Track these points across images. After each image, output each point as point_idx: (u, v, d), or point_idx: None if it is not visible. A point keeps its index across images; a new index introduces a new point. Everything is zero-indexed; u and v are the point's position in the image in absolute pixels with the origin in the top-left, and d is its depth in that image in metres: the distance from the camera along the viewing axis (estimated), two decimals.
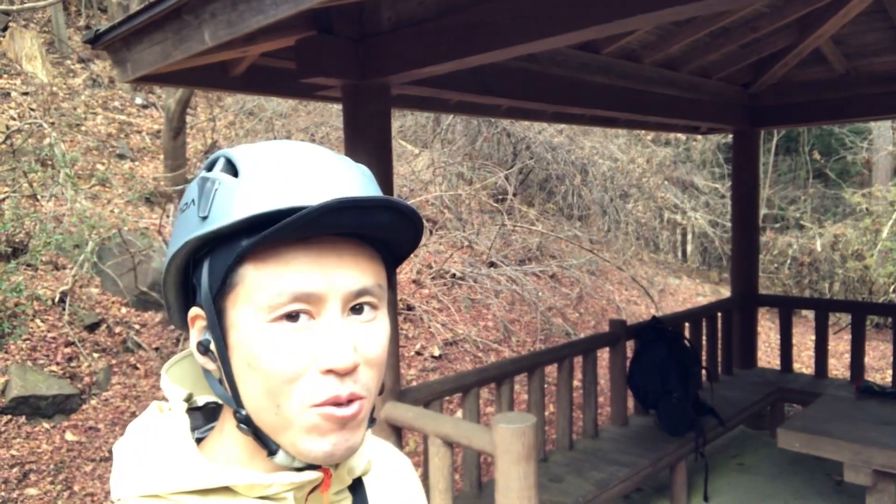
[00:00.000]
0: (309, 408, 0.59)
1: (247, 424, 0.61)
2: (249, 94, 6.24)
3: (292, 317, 0.59)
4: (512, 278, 7.63)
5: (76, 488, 3.87)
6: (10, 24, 8.39)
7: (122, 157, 7.32)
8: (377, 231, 0.61)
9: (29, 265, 5.08)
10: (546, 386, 4.53)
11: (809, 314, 8.51)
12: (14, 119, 6.81)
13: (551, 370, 3.87)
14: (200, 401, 0.73)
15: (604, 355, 4.37)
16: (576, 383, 4.64)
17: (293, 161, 0.61)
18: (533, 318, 7.32)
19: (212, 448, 0.67)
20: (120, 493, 0.63)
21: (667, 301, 9.40)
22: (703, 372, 4.54)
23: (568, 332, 7.25)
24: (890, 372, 5.68)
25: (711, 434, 4.11)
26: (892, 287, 8.94)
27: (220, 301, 0.61)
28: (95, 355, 4.82)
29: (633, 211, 10.27)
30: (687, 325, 4.87)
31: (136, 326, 5.22)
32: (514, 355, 6.26)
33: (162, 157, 7.25)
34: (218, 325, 0.61)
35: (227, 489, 0.62)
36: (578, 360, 4.07)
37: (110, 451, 4.20)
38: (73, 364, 4.67)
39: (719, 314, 5.25)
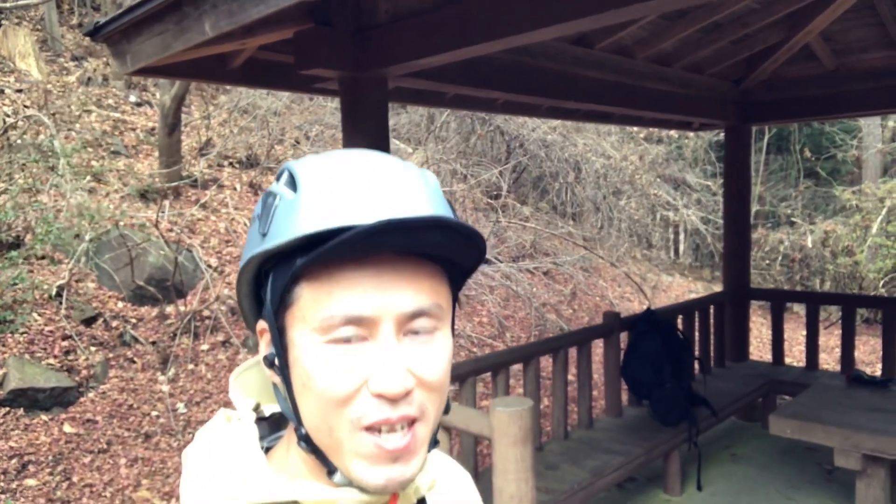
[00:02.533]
0: (359, 430, 0.58)
1: (306, 442, 0.61)
2: (247, 86, 6.26)
3: (347, 339, 0.58)
4: (506, 275, 7.68)
5: (75, 479, 3.89)
6: (3, 21, 8.38)
7: (116, 154, 7.33)
8: (432, 249, 0.60)
9: (26, 258, 5.10)
10: (542, 380, 4.57)
11: (801, 311, 8.61)
12: (9, 116, 6.81)
13: (547, 365, 3.91)
14: (267, 410, 0.73)
15: (598, 348, 4.41)
16: (570, 377, 4.69)
17: (351, 177, 0.60)
18: (527, 314, 7.38)
19: (279, 461, 0.66)
20: (190, 500, 0.63)
21: (659, 298, 9.47)
22: (696, 363, 4.60)
23: (562, 328, 7.31)
24: (880, 366, 5.75)
25: (704, 424, 4.16)
26: (881, 282, 9.05)
27: (280, 318, 0.61)
28: (92, 349, 4.84)
29: (626, 208, 10.35)
30: (680, 317, 4.92)
31: (133, 321, 5.24)
32: (509, 348, 6.31)
33: (156, 154, 7.26)
34: (280, 341, 0.62)
35: (294, 503, 0.61)
36: (573, 353, 4.12)
37: (108, 443, 4.23)
38: (70, 357, 4.68)
39: (712, 307, 5.31)
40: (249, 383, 0.73)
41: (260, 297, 0.65)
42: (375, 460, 0.59)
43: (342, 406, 0.58)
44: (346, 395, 0.58)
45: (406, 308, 0.59)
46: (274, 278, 0.61)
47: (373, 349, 0.58)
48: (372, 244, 0.56)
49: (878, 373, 5.56)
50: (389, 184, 0.60)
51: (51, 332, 4.77)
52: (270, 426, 0.73)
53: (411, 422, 0.59)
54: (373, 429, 0.58)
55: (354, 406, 0.58)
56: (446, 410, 0.65)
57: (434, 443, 0.65)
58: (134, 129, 8.04)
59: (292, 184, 0.61)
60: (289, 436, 0.67)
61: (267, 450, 0.69)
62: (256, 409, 0.72)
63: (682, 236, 12.57)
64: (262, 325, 0.64)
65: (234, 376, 0.73)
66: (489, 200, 8.88)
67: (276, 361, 0.62)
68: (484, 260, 0.65)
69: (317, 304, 0.58)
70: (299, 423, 0.61)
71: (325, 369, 0.58)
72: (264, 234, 0.60)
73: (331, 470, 0.61)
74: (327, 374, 0.58)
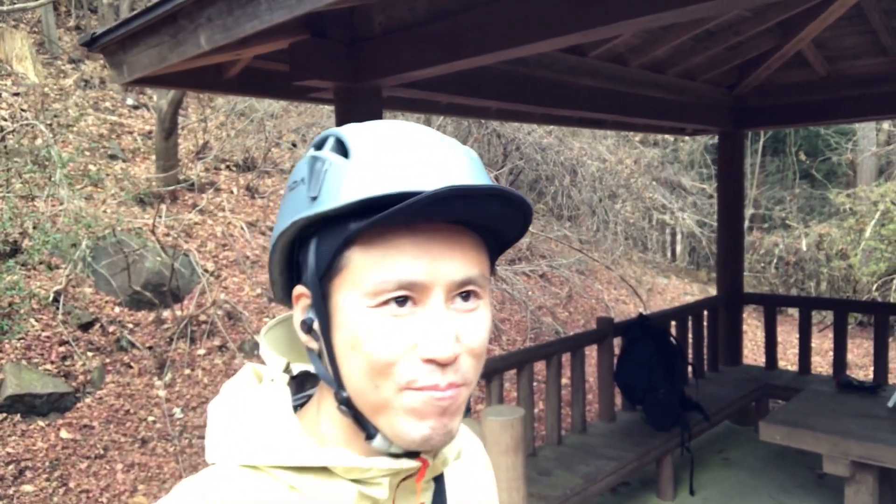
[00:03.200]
0: (407, 390, 0.59)
1: (347, 406, 0.61)
2: (243, 95, 6.28)
3: (398, 301, 0.59)
4: (502, 278, 7.71)
5: (71, 485, 3.91)
6: (0, 24, 8.39)
7: (113, 157, 7.34)
8: (487, 220, 0.61)
9: (24, 265, 5.12)
10: (536, 384, 4.60)
11: (795, 313, 8.65)
12: (6, 120, 6.82)
13: (541, 369, 3.94)
14: (295, 369, 0.73)
15: (592, 352, 4.44)
16: (565, 381, 4.72)
17: (404, 144, 0.61)
18: (523, 317, 7.41)
19: (308, 425, 0.66)
20: (217, 458, 0.63)
21: (655, 300, 9.51)
22: (689, 368, 4.63)
23: (557, 331, 7.34)
24: (873, 369, 5.79)
25: (697, 429, 4.20)
26: (874, 285, 9.10)
27: (326, 282, 0.61)
28: (89, 354, 4.86)
29: (622, 211, 10.38)
30: (673, 322, 4.95)
31: (130, 326, 5.26)
32: (504, 353, 6.33)
33: (153, 157, 7.28)
34: (322, 305, 0.62)
35: (323, 469, 0.62)
36: (567, 358, 4.15)
37: (105, 449, 4.25)
38: (67, 363, 4.70)
39: (705, 312, 5.34)
40: (278, 340, 0.73)
41: (290, 264, 0.66)
42: (422, 414, 0.59)
43: (389, 369, 0.59)
44: (394, 359, 0.59)
45: (456, 276, 0.60)
46: (319, 242, 0.61)
47: (422, 315, 0.59)
48: (434, 211, 0.56)
49: (871, 377, 5.61)
50: (443, 153, 0.61)
51: (48, 337, 4.79)
52: (297, 385, 0.73)
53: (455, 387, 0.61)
54: (422, 391, 0.59)
55: (402, 369, 0.59)
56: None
57: (466, 411, 0.66)
58: (131, 133, 8.05)
59: (342, 149, 0.61)
60: (319, 399, 0.67)
61: (295, 408, 0.70)
62: (286, 368, 0.72)
63: (678, 238, 12.61)
64: (299, 290, 0.64)
65: (264, 332, 0.73)
66: None
67: (316, 325, 0.62)
68: (528, 229, 0.66)
69: (371, 269, 0.59)
70: (340, 386, 0.61)
71: (375, 333, 0.58)
72: (314, 198, 0.60)
73: (370, 434, 0.62)
74: (377, 338, 0.58)
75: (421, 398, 0.59)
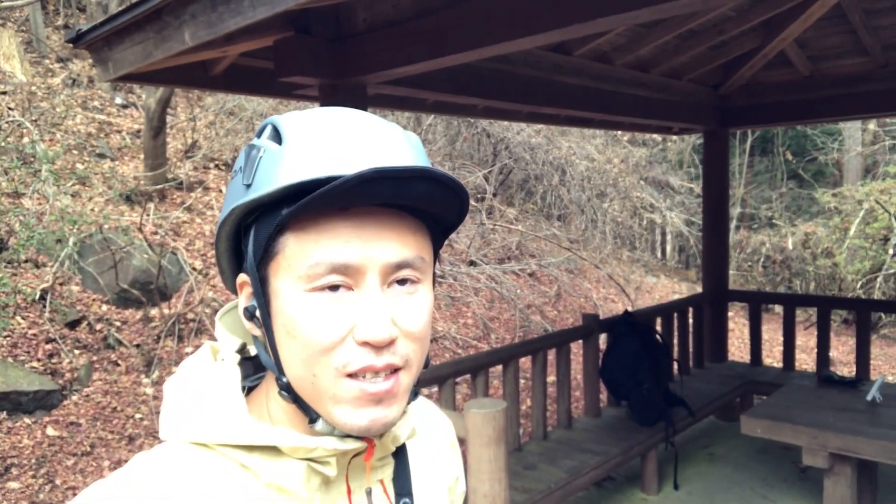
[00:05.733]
0: (343, 377, 0.59)
1: (287, 392, 0.62)
2: (229, 93, 6.29)
3: (332, 287, 0.59)
4: (491, 276, 7.74)
5: (58, 482, 3.91)
6: None
7: (102, 156, 7.33)
8: (418, 202, 0.60)
9: (9, 262, 5.10)
10: (523, 380, 4.63)
11: (782, 311, 8.72)
12: None
13: (527, 365, 3.97)
14: (252, 351, 0.73)
15: (578, 349, 4.47)
16: (550, 377, 4.76)
17: (338, 129, 0.60)
18: (512, 316, 7.44)
19: (257, 407, 0.67)
20: (168, 434, 0.64)
21: (643, 299, 9.56)
22: (675, 364, 4.67)
23: (546, 329, 7.37)
24: (855, 365, 5.85)
25: (681, 424, 4.24)
26: (859, 283, 9.19)
27: (263, 269, 0.61)
28: (76, 352, 4.85)
29: (610, 210, 10.44)
30: (659, 319, 5.00)
31: (117, 323, 5.25)
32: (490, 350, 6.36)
33: (142, 156, 7.27)
34: (262, 292, 0.62)
35: (272, 448, 0.62)
36: (553, 354, 4.18)
37: (91, 446, 4.25)
38: (54, 360, 4.70)
39: (691, 309, 5.39)
40: (236, 323, 0.72)
41: (239, 253, 0.66)
42: (359, 403, 0.59)
43: (327, 354, 0.59)
44: (331, 343, 0.58)
45: (391, 258, 0.60)
46: (257, 230, 0.61)
47: (358, 298, 0.59)
48: (360, 193, 0.56)
49: (854, 373, 5.67)
50: (375, 137, 0.61)
51: (34, 335, 4.79)
52: (255, 366, 0.73)
53: (395, 370, 0.61)
54: (356, 375, 0.59)
55: (339, 354, 0.59)
56: (426, 364, 0.66)
57: (414, 394, 0.66)
58: (119, 132, 8.03)
59: (276, 137, 0.61)
60: (267, 384, 0.67)
61: (250, 389, 0.70)
62: (242, 349, 0.72)
63: (667, 237, 12.68)
64: (242, 278, 0.65)
65: (220, 315, 0.72)
66: (474, 203, 8.94)
67: (258, 313, 0.62)
68: (467, 213, 0.66)
69: (303, 253, 0.59)
70: (280, 372, 0.62)
71: (311, 317, 0.58)
72: (248, 185, 0.60)
73: (312, 418, 0.62)
74: (313, 322, 0.58)
75: (356, 389, 0.59)
